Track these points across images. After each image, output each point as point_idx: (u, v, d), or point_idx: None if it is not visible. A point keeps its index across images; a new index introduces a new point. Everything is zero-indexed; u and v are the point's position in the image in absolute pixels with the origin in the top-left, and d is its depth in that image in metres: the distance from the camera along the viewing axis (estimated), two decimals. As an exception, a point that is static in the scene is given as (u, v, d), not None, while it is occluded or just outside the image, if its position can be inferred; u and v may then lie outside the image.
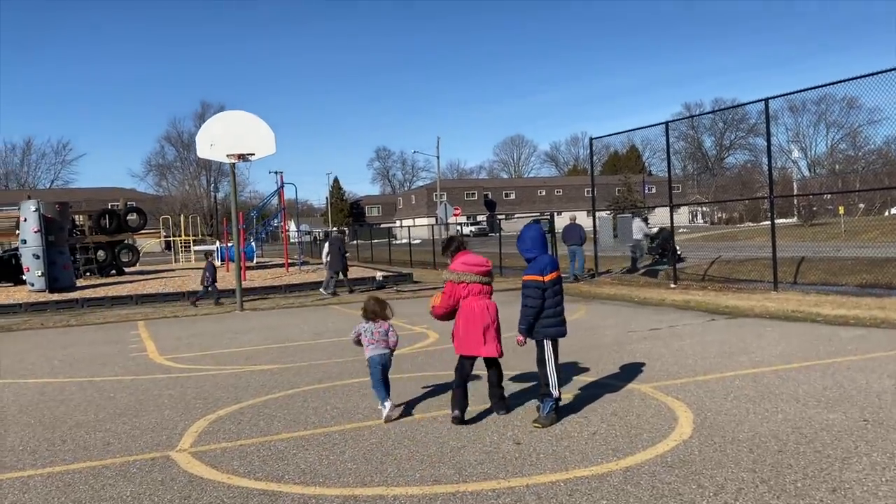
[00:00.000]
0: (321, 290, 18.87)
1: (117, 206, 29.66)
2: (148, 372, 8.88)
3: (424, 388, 7.24)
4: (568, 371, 7.76)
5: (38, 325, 15.08)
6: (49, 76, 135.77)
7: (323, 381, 7.80)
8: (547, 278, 5.77)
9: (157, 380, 8.33)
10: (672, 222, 18.12)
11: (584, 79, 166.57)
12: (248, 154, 14.60)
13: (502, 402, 6.18)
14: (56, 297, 19.48)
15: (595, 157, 25.44)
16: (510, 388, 6.77)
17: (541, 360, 5.88)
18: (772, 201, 15.66)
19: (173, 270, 30.75)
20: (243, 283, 21.46)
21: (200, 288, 17.90)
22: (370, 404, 6.60)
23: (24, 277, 20.91)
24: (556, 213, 28.69)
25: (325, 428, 5.92)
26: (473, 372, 6.07)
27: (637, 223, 20.67)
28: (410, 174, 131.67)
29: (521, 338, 5.90)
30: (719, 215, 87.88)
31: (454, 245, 6.29)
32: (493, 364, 6.12)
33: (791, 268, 15.92)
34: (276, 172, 24.63)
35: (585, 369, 7.88)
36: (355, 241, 47.80)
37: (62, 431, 6.17)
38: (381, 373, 6.11)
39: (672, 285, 16.49)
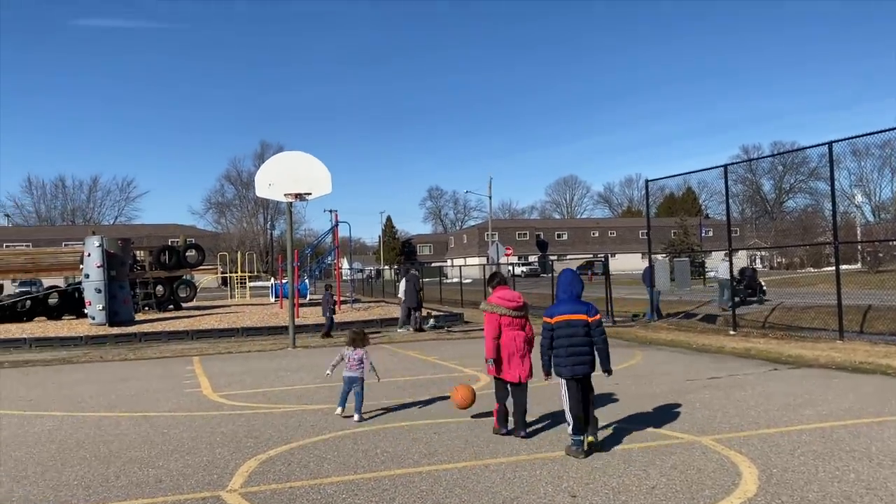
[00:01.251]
0: (398, 328, 19.15)
1: (177, 242, 30.49)
2: (201, 408, 8.95)
3: (475, 433, 7.10)
4: (625, 419, 7.56)
5: (97, 357, 15.43)
6: (116, 117, 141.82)
7: (373, 424, 7.72)
8: (554, 320, 6.34)
9: (209, 417, 8.37)
10: (731, 267, 17.68)
11: (640, 121, 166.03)
12: (305, 194, 14.85)
13: (523, 425, 6.84)
14: (116, 330, 19.97)
15: (650, 199, 25.09)
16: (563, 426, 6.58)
17: (562, 397, 6.33)
18: (836, 247, 15.15)
19: (229, 306, 31.31)
20: (296, 320, 21.75)
21: (324, 320, 18.49)
22: (421, 449, 6.51)
23: (86, 311, 21.53)
24: (609, 255, 28.32)
25: (376, 472, 5.83)
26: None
27: (725, 264, 20.65)
28: (462, 213, 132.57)
29: (544, 374, 6.50)
30: (779, 260, 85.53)
31: (496, 280, 7.30)
32: (517, 387, 6.88)
33: (857, 316, 15.29)
34: (330, 211, 25.25)
35: (642, 418, 7.63)
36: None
37: (116, 467, 6.22)
38: (347, 389, 8.04)
39: (731, 332, 16.00)
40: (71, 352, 17.00)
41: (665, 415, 7.80)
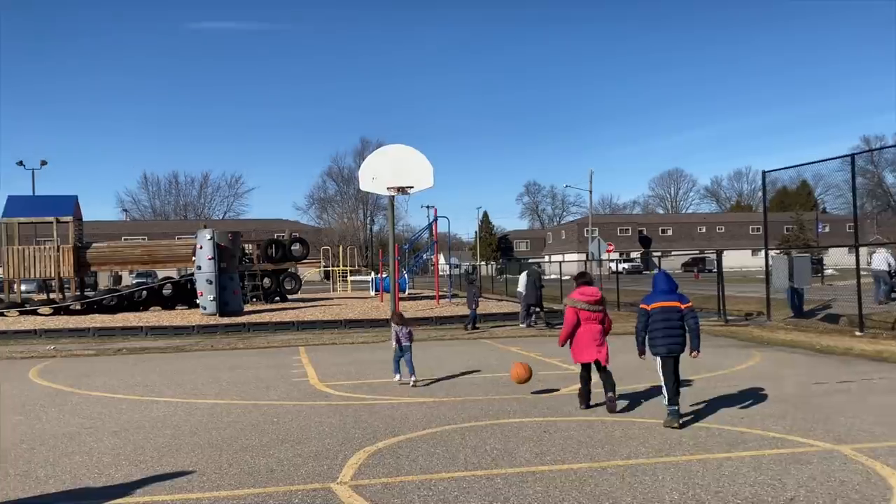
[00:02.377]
0: (520, 324, 19.08)
1: (283, 236, 31.40)
2: (309, 398, 9.01)
3: (588, 434, 6.77)
4: (749, 422, 7.05)
5: (208, 346, 15.98)
6: (225, 115, 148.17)
7: (480, 419, 7.52)
8: (651, 307, 7.30)
9: (317, 407, 8.40)
10: (858, 263, 16.43)
11: (749, 111, 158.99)
12: (408, 187, 14.84)
13: (611, 402, 7.75)
14: (225, 320, 20.69)
15: (761, 193, 23.73)
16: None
17: (659, 372, 7.24)
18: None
19: (331, 299, 31.98)
20: (397, 313, 21.94)
21: (469, 312, 18.79)
22: (531, 448, 6.26)
23: (197, 301, 22.44)
24: (720, 252, 27.02)
25: (487, 470, 5.61)
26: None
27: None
28: (560, 209, 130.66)
29: (638, 353, 7.54)
30: (903, 257, 79.78)
31: (582, 279, 8.13)
32: (601, 369, 7.82)
33: None
34: (428, 207, 25.27)
35: (770, 422, 7.08)
36: (503, 277, 47.82)
37: (229, 455, 6.27)
38: (398, 356, 10.07)
39: (857, 333, 14.86)
40: (184, 340, 17.71)
41: (794, 419, 7.22)
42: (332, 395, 9.14)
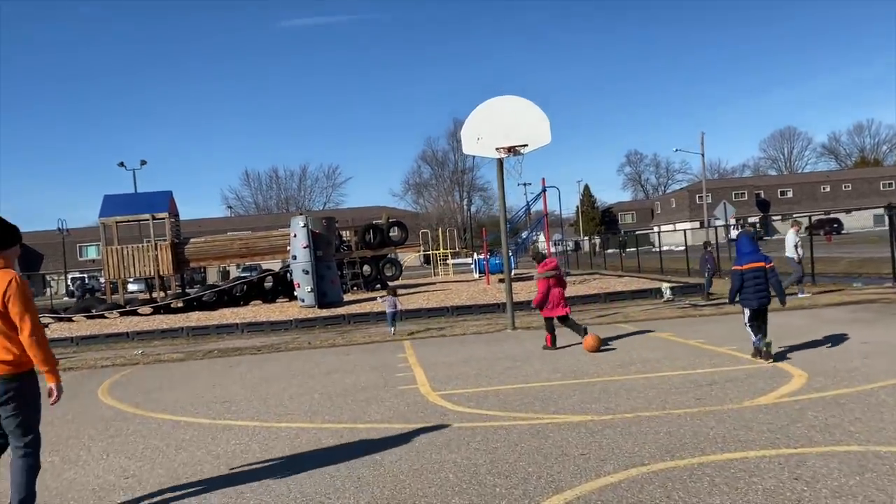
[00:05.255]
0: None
1: (380, 221, 29.73)
2: (421, 417, 6.84)
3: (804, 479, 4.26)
4: None
5: (305, 343, 14.21)
6: (320, 107, 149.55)
7: (675, 454, 5.09)
8: (744, 268, 8.58)
9: (434, 434, 6.20)
10: None
11: (866, 59, 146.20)
12: (520, 146, 12.40)
13: (581, 331, 10.51)
14: (324, 312, 19.04)
15: (886, 146, 19.89)
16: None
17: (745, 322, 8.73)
18: None
19: (434, 284, 30.05)
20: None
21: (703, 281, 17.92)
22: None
23: (295, 293, 20.91)
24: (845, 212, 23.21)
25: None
26: None
27: None
28: (665, 177, 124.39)
29: (729, 301, 9.20)
30: None
31: (540, 257, 11.21)
32: (564, 319, 10.70)
33: None
34: (524, 184, 22.93)
35: None
36: (609, 250, 44.73)
37: (310, 528, 4.16)
38: (391, 317, 14.23)
39: None
40: (281, 337, 16.08)
41: None
42: (449, 413, 6.93)
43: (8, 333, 4.17)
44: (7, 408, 4.19)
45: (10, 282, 4.15)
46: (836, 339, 9.71)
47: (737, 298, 8.76)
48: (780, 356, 8.64)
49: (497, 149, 12.47)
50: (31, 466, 4.28)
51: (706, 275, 17.63)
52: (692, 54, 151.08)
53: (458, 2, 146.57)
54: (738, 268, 8.60)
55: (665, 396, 6.91)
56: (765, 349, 8.37)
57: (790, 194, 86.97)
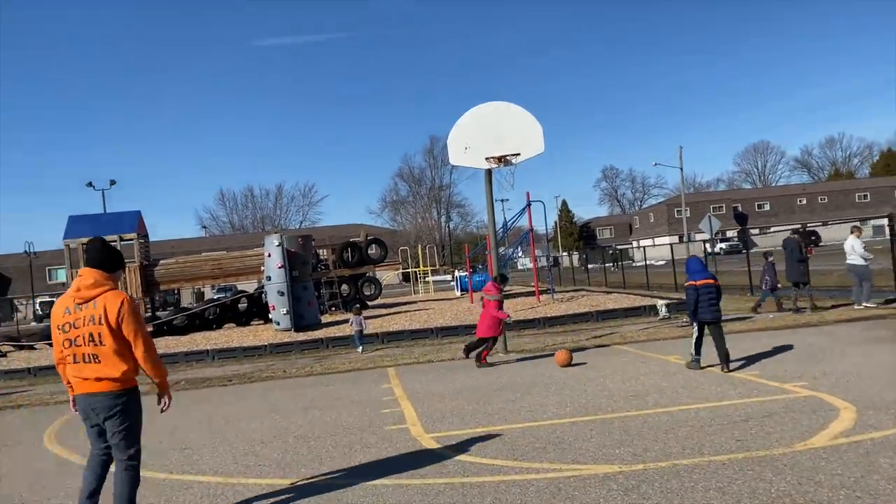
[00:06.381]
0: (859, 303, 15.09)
1: (359, 239, 28.66)
2: (416, 470, 5.81)
3: None
4: None
5: (280, 372, 13.11)
6: (297, 124, 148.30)
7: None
8: (699, 283, 9.22)
9: (433, 495, 5.18)
10: None
11: (837, 74, 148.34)
12: (512, 155, 11.45)
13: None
14: (301, 336, 17.93)
15: (856, 159, 19.30)
16: None
17: (693, 335, 9.48)
18: None
19: (415, 302, 28.97)
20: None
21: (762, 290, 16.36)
22: None
23: (270, 316, 19.76)
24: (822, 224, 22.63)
25: None
26: None
27: None
28: (641, 192, 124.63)
29: (689, 321, 9.83)
30: None
31: (498, 279, 12.25)
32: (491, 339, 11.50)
33: None
34: (502, 201, 22.07)
35: None
36: (591, 265, 44.05)
37: None
38: (357, 337, 15.16)
39: None
40: (254, 364, 14.96)
41: None
42: (450, 464, 5.89)
43: (121, 351, 4.42)
44: (114, 421, 4.46)
45: (122, 302, 4.44)
46: (866, 362, 8.85)
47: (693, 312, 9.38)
48: (819, 385, 7.75)
49: (487, 158, 11.52)
50: (132, 478, 4.55)
51: (764, 287, 16.08)
52: (665, 70, 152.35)
53: (432, 21, 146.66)
54: (693, 283, 9.22)
55: (699, 437, 5.95)
56: (699, 366, 9.24)
57: (767, 207, 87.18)
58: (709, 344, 9.22)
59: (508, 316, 11.55)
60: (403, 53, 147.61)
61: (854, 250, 15.13)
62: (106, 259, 4.63)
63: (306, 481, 5.73)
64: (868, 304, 14.74)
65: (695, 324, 9.34)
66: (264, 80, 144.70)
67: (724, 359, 9.02)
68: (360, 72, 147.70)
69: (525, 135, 11.48)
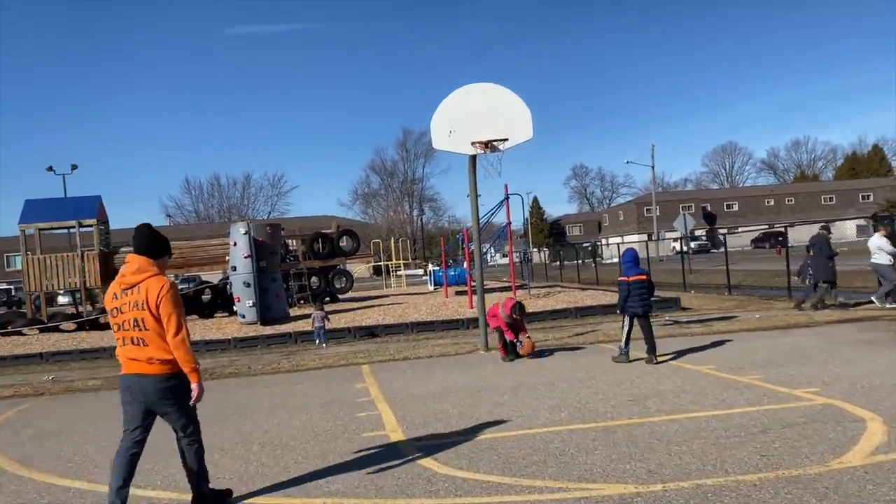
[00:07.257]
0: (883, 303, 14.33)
1: (330, 231, 27.78)
2: (399, 488, 5.08)
3: None
4: None
5: (245, 368, 12.28)
6: (266, 113, 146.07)
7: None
8: (631, 279, 9.56)
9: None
10: None
11: (803, 80, 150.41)
12: (499, 140, 10.75)
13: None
14: (268, 330, 17.08)
15: (821, 162, 19.06)
16: None
17: (623, 326, 9.83)
18: None
19: (387, 296, 28.21)
20: (469, 310, 17.94)
21: (805, 284, 15.74)
22: None
23: (235, 308, 18.84)
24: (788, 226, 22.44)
25: None
26: None
27: None
28: (610, 191, 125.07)
29: (619, 312, 10.07)
30: None
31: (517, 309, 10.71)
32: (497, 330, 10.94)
33: None
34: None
35: None
36: (557, 262, 43.69)
37: None
38: (318, 332, 14.97)
39: None
40: (217, 359, 14.08)
41: None
42: (439, 480, 5.17)
43: (165, 335, 4.52)
44: (168, 402, 4.64)
45: (162, 286, 4.54)
46: (874, 367, 8.32)
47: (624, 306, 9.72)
48: (833, 391, 7.18)
49: (473, 143, 10.80)
50: (198, 450, 4.86)
51: (808, 281, 15.50)
52: (634, 70, 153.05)
53: (405, 13, 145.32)
54: (626, 279, 9.58)
55: (717, 451, 5.31)
56: (626, 359, 9.59)
57: (735, 207, 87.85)
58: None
59: (498, 327, 10.79)
60: (377, 45, 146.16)
61: (881, 249, 14.57)
62: (152, 245, 4.71)
63: (271, 498, 4.97)
64: (889, 306, 14.18)
65: (626, 317, 9.68)
66: (235, 68, 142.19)
67: (651, 350, 9.48)
68: (332, 62, 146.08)
69: (514, 120, 10.79)
